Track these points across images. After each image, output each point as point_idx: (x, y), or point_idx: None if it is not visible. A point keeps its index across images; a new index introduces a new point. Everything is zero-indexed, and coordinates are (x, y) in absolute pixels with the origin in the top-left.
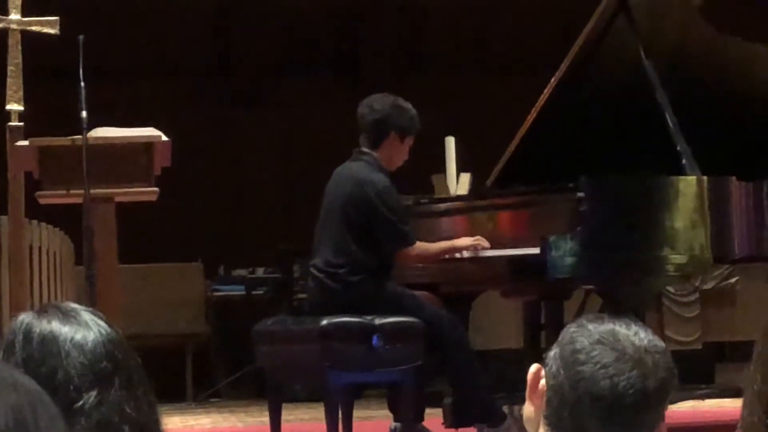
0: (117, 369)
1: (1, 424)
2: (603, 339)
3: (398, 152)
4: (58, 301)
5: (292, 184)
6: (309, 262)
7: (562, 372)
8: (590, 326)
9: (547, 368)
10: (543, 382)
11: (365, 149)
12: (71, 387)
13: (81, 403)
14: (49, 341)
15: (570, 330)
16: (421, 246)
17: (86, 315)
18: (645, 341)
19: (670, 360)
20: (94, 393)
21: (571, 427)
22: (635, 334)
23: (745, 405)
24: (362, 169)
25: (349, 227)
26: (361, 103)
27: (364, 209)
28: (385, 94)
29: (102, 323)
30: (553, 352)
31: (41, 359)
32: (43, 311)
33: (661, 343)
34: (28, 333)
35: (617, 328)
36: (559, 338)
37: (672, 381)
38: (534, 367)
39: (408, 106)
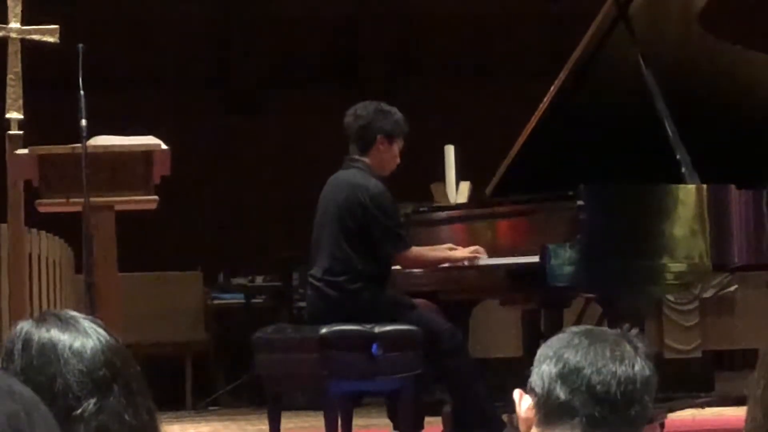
0: (116, 376)
1: None
2: (582, 333)
3: (388, 157)
4: (57, 309)
5: (291, 193)
6: (308, 270)
7: (548, 378)
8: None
9: (533, 383)
10: (525, 404)
11: (356, 156)
12: (70, 395)
13: (80, 410)
14: (48, 349)
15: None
16: (417, 250)
17: (85, 323)
18: (623, 336)
19: (650, 356)
20: (93, 400)
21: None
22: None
23: (748, 412)
24: (355, 176)
25: (345, 235)
26: (346, 112)
27: (359, 215)
28: (369, 101)
29: (101, 331)
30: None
31: (40, 367)
32: (41, 319)
33: (640, 342)
34: (27, 341)
35: (590, 329)
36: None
37: (652, 376)
38: (515, 394)
39: (393, 109)
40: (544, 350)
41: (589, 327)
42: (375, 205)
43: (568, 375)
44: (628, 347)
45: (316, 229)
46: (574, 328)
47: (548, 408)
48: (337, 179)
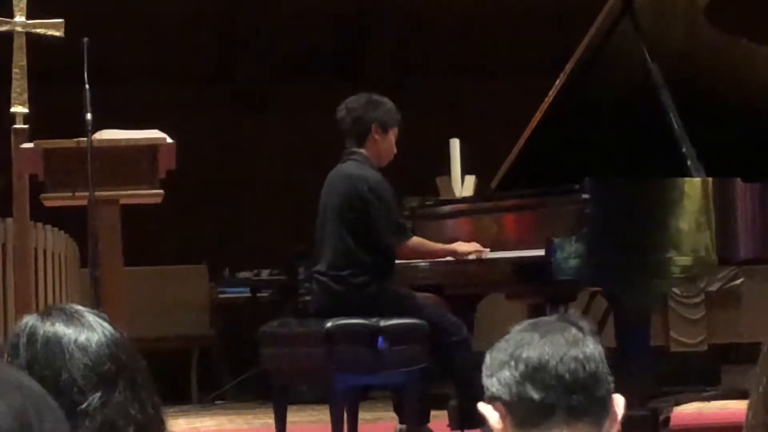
0: (121, 371)
1: (5, 426)
2: (529, 329)
3: (384, 146)
4: (63, 304)
5: (296, 187)
6: (313, 264)
7: (514, 382)
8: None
9: (498, 392)
10: (495, 417)
11: (353, 149)
12: (75, 389)
13: (85, 404)
14: (53, 343)
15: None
16: (417, 240)
17: (90, 317)
18: (565, 320)
19: (595, 331)
20: (98, 395)
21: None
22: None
23: (750, 407)
24: (353, 168)
25: (347, 228)
26: (337, 108)
27: (359, 206)
28: (359, 94)
29: (106, 325)
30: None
31: (45, 361)
32: (47, 313)
33: (581, 321)
34: (32, 335)
35: (533, 323)
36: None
37: (602, 351)
38: (481, 407)
39: (383, 99)
40: (496, 357)
41: (530, 321)
42: (374, 196)
43: (534, 373)
44: (574, 330)
45: (319, 225)
46: (517, 327)
47: (523, 412)
48: (336, 173)
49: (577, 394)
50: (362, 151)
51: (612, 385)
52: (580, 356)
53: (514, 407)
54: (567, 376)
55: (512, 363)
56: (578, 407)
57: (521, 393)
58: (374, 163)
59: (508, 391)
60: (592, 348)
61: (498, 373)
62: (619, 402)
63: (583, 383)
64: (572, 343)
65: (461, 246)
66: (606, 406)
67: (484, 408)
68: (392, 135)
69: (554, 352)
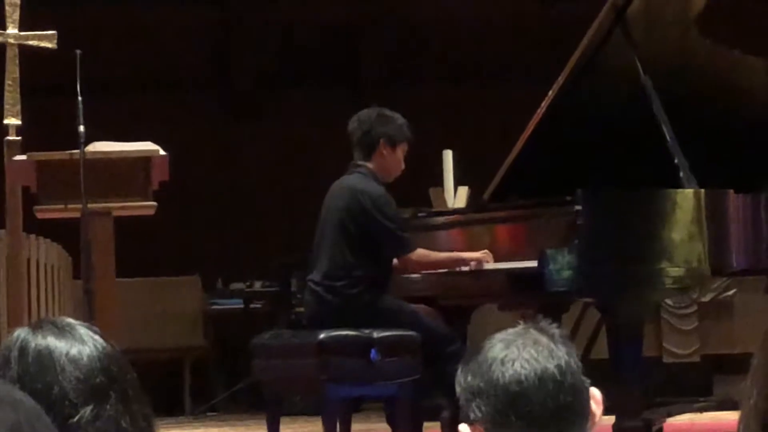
0: (112, 383)
1: None
2: (503, 350)
3: (392, 162)
4: (54, 316)
5: (290, 198)
6: (306, 275)
7: (498, 412)
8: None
9: (475, 416)
10: None
11: (359, 162)
12: (67, 402)
13: (77, 418)
14: (45, 356)
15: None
16: (421, 252)
17: (82, 330)
18: (536, 331)
19: (565, 336)
20: (89, 408)
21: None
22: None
23: (741, 420)
24: (357, 181)
25: (346, 240)
26: (350, 120)
27: (361, 220)
28: (372, 107)
29: (97, 338)
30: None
31: (36, 375)
32: (38, 326)
33: (550, 328)
34: (23, 348)
35: (506, 341)
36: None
37: (574, 353)
38: (462, 428)
39: (395, 115)
40: (472, 382)
41: (499, 338)
42: (377, 210)
43: (516, 402)
44: (545, 339)
45: (317, 234)
46: (488, 344)
47: None
48: (340, 185)
49: (562, 413)
50: (368, 164)
51: (588, 384)
52: (557, 373)
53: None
54: (549, 401)
55: (492, 392)
56: (564, 424)
57: (506, 422)
58: (380, 177)
59: (492, 419)
60: (566, 356)
61: (477, 401)
62: (596, 396)
63: (566, 402)
64: (547, 357)
65: (466, 254)
66: (588, 411)
67: (465, 430)
68: (401, 151)
69: (531, 373)
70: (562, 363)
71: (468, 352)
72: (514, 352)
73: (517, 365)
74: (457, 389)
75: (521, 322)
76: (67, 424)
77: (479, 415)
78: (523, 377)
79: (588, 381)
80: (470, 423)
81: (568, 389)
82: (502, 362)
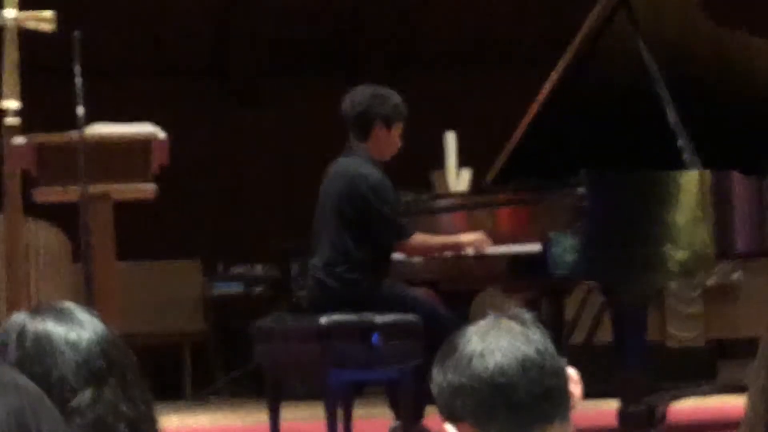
0: (112, 368)
1: (3, 426)
2: (479, 341)
3: (387, 142)
4: (53, 300)
5: (290, 182)
6: (307, 259)
7: (485, 404)
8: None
9: (461, 413)
10: None
11: (355, 143)
12: (66, 386)
13: (76, 401)
14: (43, 340)
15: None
16: (419, 238)
17: (81, 314)
18: (509, 318)
19: (536, 319)
20: (88, 391)
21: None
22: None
23: (748, 401)
24: (354, 165)
25: (344, 224)
26: (342, 99)
27: (358, 205)
28: (365, 86)
29: (97, 322)
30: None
31: (35, 358)
32: (37, 311)
33: (522, 314)
34: (22, 333)
35: (481, 332)
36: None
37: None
38: (448, 428)
39: (390, 93)
40: (453, 380)
41: (473, 331)
42: (374, 195)
43: (501, 393)
44: (518, 326)
45: (316, 219)
46: (461, 339)
47: (497, 429)
48: (337, 168)
49: (547, 397)
50: (364, 145)
51: (565, 362)
52: (538, 357)
53: (485, 427)
54: (535, 387)
55: (476, 386)
56: (549, 411)
57: (493, 414)
58: (376, 158)
59: (478, 414)
60: (541, 339)
61: (462, 398)
62: (573, 376)
63: (550, 385)
64: (524, 342)
65: (464, 236)
66: (568, 395)
67: (451, 429)
68: (396, 130)
69: (513, 362)
70: (540, 346)
71: (441, 352)
72: (492, 343)
73: (497, 355)
74: (434, 390)
75: (491, 312)
76: (66, 407)
77: (465, 412)
78: (506, 367)
79: (564, 360)
80: (455, 422)
81: (550, 372)
82: (482, 355)
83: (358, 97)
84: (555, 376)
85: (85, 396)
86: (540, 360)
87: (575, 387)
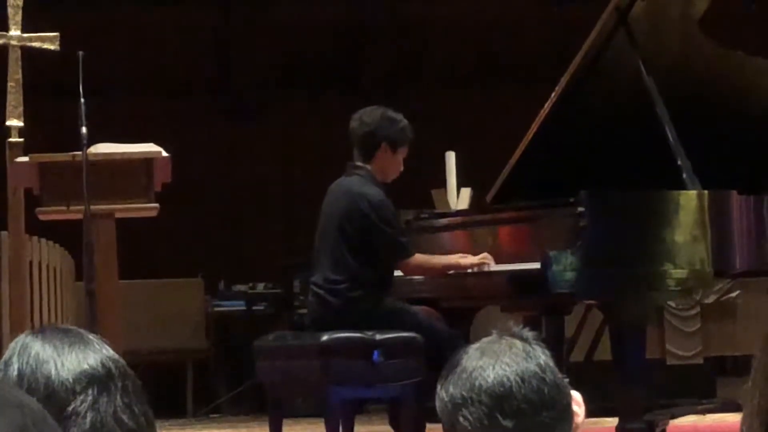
0: (114, 379)
1: None
2: (479, 358)
3: (391, 164)
4: (56, 318)
5: (292, 200)
6: (309, 277)
7: (485, 416)
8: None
9: (463, 427)
10: None
11: (358, 163)
12: (66, 389)
13: (77, 403)
14: (47, 353)
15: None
16: (421, 257)
17: (85, 335)
18: (510, 335)
19: (538, 336)
20: (89, 393)
21: None
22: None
23: (743, 420)
24: (356, 184)
25: (346, 242)
26: (352, 117)
27: (360, 223)
28: (376, 107)
29: (102, 344)
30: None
31: (36, 368)
32: (40, 331)
33: (524, 331)
34: (24, 347)
35: (481, 349)
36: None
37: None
38: None
39: (398, 116)
40: (455, 393)
41: (474, 348)
42: (376, 214)
43: (501, 402)
44: (520, 343)
45: (318, 236)
46: (468, 363)
47: None
48: (339, 187)
49: (548, 410)
50: (367, 166)
51: (569, 387)
52: (538, 371)
53: None
54: (534, 396)
55: (475, 397)
56: (550, 422)
57: (495, 425)
58: (379, 179)
59: (480, 425)
60: (543, 357)
61: (463, 410)
62: (576, 398)
63: (550, 397)
64: (525, 358)
65: (466, 259)
66: (571, 412)
67: None
68: (401, 154)
69: (513, 374)
70: (541, 362)
71: (444, 369)
72: (493, 358)
73: (498, 369)
74: (438, 406)
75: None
76: (66, 411)
77: (467, 424)
78: (505, 379)
79: (567, 379)
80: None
81: (551, 385)
82: (483, 368)
83: (367, 117)
84: (556, 389)
85: (87, 397)
86: (541, 374)
87: (578, 408)
